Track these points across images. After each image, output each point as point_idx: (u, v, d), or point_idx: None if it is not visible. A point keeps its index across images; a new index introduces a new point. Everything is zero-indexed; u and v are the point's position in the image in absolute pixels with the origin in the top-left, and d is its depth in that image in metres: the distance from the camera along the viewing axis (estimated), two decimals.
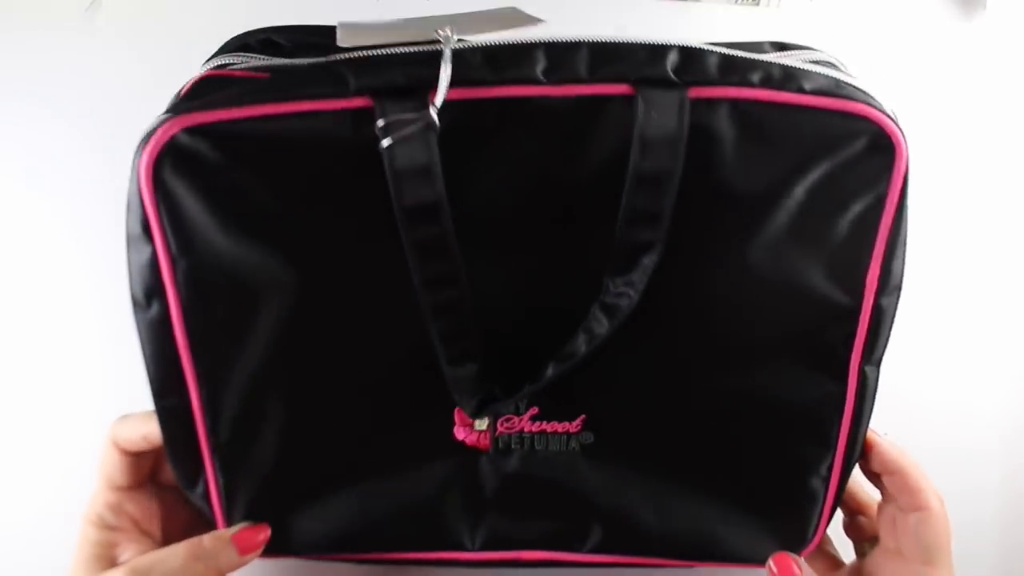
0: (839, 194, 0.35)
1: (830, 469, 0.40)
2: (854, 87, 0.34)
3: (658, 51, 0.33)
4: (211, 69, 0.36)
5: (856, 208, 0.35)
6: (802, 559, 0.41)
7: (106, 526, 0.38)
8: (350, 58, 0.34)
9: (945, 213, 0.54)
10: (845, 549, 0.44)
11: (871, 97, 0.34)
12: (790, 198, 0.35)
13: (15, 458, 0.51)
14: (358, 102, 0.32)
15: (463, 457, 0.40)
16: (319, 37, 0.36)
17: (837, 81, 0.34)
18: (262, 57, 0.37)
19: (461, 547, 0.42)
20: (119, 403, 0.40)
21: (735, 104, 0.33)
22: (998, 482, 0.53)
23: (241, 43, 0.38)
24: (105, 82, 0.58)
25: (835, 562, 0.43)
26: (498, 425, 0.40)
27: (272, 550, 0.40)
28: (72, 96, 0.58)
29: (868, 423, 0.39)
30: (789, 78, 0.33)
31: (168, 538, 0.39)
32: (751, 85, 0.33)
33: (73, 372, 0.51)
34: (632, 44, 0.34)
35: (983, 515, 0.52)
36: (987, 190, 0.61)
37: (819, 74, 0.34)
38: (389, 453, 0.40)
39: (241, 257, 0.34)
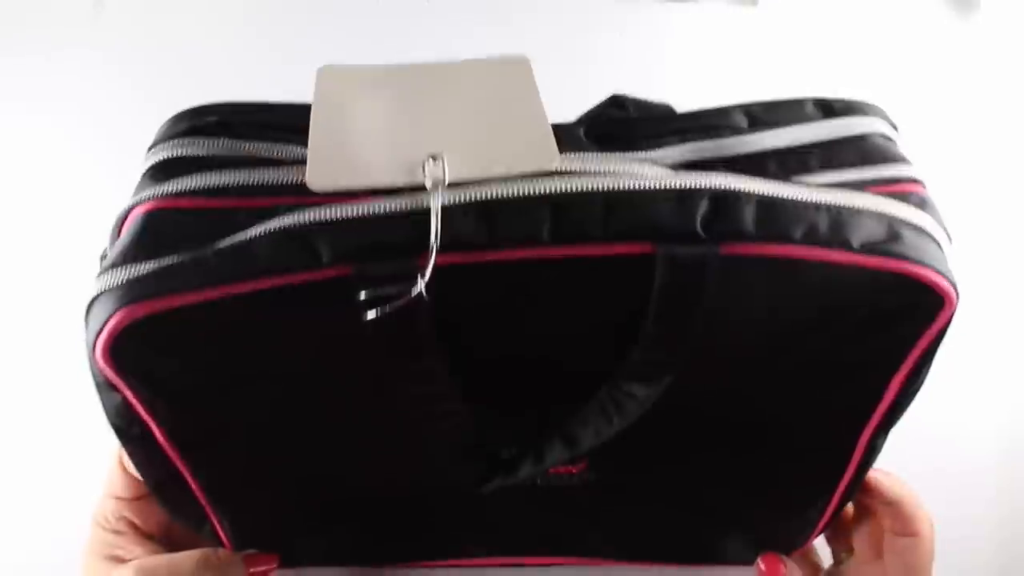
0: (871, 331, 0.32)
1: (828, 503, 0.41)
2: (910, 230, 0.30)
3: (686, 198, 0.28)
4: (156, 176, 0.32)
5: (887, 340, 0.32)
6: (790, 561, 0.44)
7: (112, 529, 0.39)
8: (321, 220, 0.28)
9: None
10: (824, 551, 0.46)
11: (928, 241, 0.30)
12: (817, 333, 0.32)
13: (21, 460, 0.51)
14: (332, 272, 0.28)
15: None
16: (279, 117, 0.33)
17: (890, 228, 0.30)
18: (216, 140, 0.32)
19: (465, 555, 0.45)
20: None
21: (772, 261, 0.29)
22: (994, 497, 0.54)
23: (190, 125, 0.33)
24: (108, 80, 0.58)
25: (814, 567, 0.45)
26: None
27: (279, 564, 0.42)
28: (74, 95, 0.58)
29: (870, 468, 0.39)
30: (836, 229, 0.29)
31: (173, 541, 0.40)
32: (792, 242, 0.28)
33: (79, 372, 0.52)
34: (656, 191, 0.28)
35: (977, 536, 0.53)
36: (983, 190, 0.60)
37: (870, 219, 0.29)
38: (389, 483, 0.40)
39: (220, 393, 0.33)
